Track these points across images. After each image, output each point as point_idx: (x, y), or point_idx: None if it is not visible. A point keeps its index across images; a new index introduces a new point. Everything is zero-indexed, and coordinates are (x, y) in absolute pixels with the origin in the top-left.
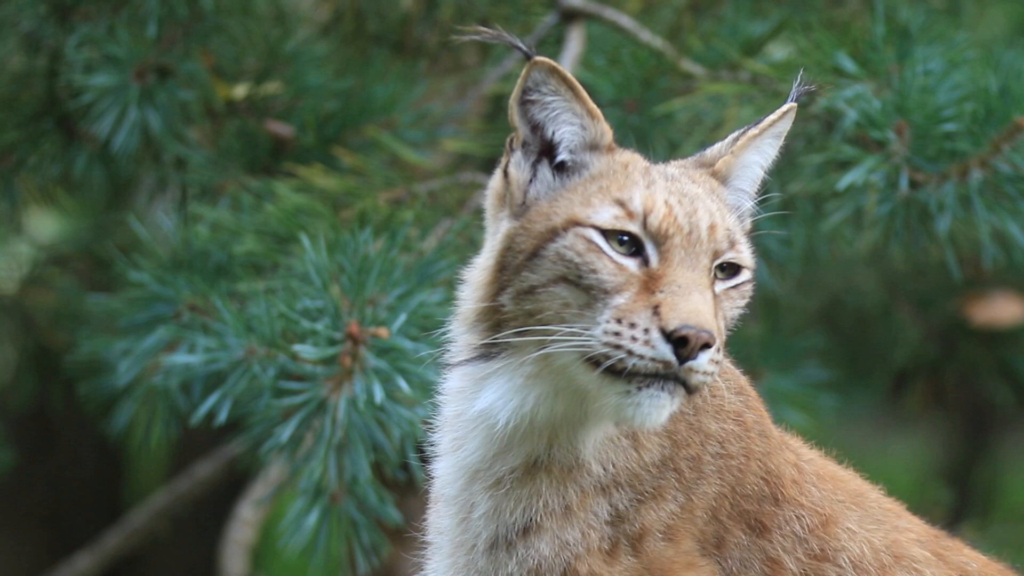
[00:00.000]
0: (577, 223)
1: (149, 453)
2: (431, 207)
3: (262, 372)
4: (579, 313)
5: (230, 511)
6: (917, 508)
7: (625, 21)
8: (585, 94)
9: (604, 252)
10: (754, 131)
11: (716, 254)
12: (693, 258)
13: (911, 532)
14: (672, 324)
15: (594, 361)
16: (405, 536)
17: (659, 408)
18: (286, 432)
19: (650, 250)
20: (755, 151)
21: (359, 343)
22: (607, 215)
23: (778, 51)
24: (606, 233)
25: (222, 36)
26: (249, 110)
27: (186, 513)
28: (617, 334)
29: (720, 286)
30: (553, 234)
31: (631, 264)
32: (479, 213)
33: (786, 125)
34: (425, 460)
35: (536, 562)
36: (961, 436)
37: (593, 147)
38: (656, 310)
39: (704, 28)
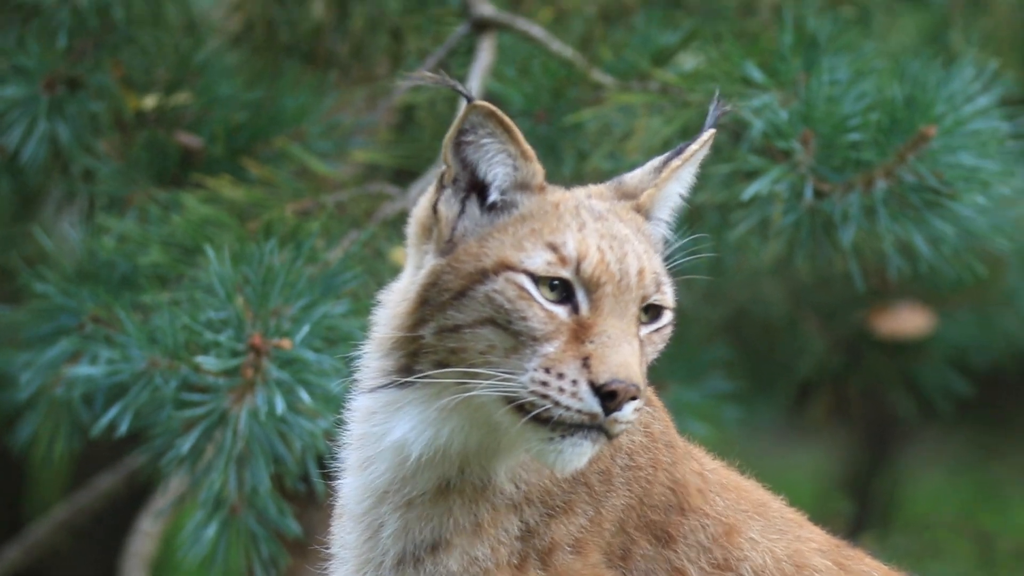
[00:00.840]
0: (508, 267)
1: (51, 466)
2: (338, 218)
3: (164, 384)
4: (505, 357)
5: (131, 524)
6: (819, 518)
7: (536, 31)
8: (520, 136)
9: (535, 299)
10: (677, 162)
11: (643, 299)
12: (623, 306)
13: (813, 542)
14: (602, 378)
15: (519, 407)
16: (306, 548)
17: (580, 455)
18: (187, 444)
19: (580, 297)
20: (676, 181)
21: (262, 355)
22: (539, 260)
23: (688, 61)
24: (537, 279)
25: (132, 47)
26: (158, 121)
27: (87, 526)
28: (545, 383)
29: (644, 330)
30: (483, 276)
31: (561, 312)
32: (387, 224)
33: (706, 151)
34: (328, 475)
35: None
36: (863, 447)
37: (523, 187)
38: (586, 362)
39: (615, 38)
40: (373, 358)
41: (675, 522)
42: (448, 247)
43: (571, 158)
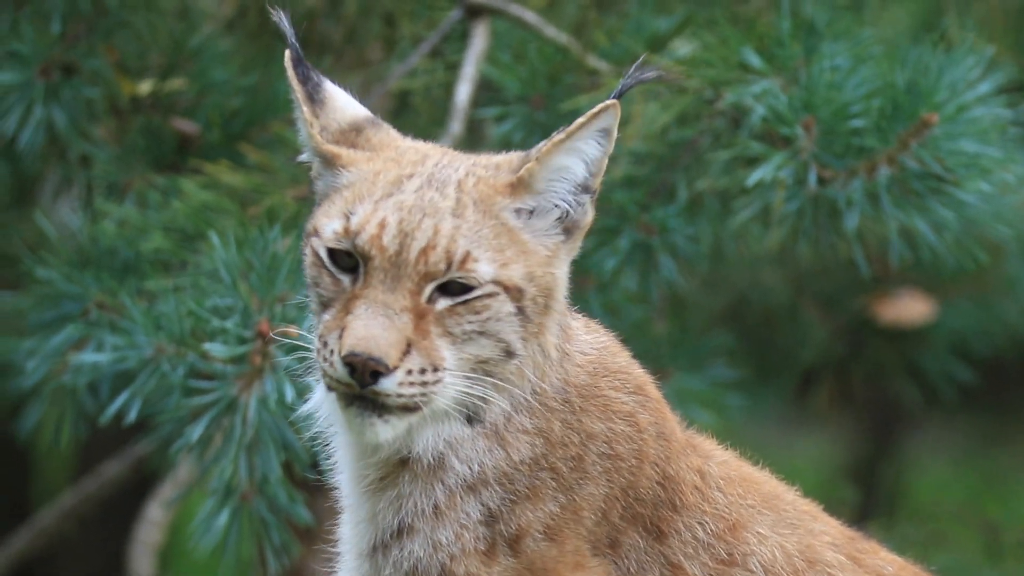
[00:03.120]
0: (315, 232)
1: (57, 454)
2: None
3: (171, 371)
4: (317, 322)
5: (138, 512)
6: (824, 507)
7: (530, 17)
8: (300, 97)
9: (324, 266)
10: (560, 136)
11: (428, 275)
12: (394, 280)
13: (826, 536)
14: (344, 350)
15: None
16: (316, 536)
17: (370, 426)
18: (196, 431)
19: (361, 269)
20: (567, 154)
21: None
22: (330, 230)
23: (683, 47)
24: (331, 248)
25: (126, 32)
26: (154, 107)
27: (94, 514)
28: (318, 350)
29: (443, 303)
30: (306, 238)
31: (346, 280)
32: None
33: (607, 121)
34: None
35: (411, 564)
36: (867, 435)
37: (317, 153)
38: (341, 332)
39: (609, 24)
40: None
41: (666, 517)
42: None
43: None
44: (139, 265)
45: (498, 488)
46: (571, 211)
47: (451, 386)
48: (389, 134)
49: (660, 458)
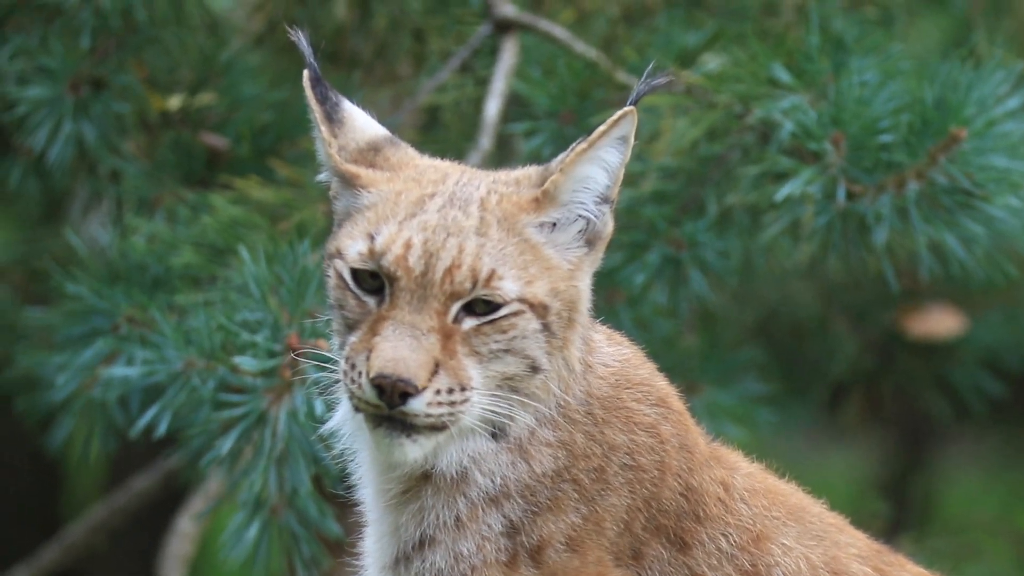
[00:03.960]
0: (338, 254)
1: (87, 467)
2: None
3: (202, 384)
4: (340, 345)
5: (168, 525)
6: (855, 521)
7: (559, 32)
8: (319, 116)
9: (348, 288)
10: (583, 146)
11: (454, 295)
12: (420, 301)
13: (852, 548)
14: (373, 372)
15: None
16: (344, 549)
17: (399, 446)
18: (226, 445)
19: (387, 290)
20: (589, 163)
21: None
22: (355, 251)
23: (712, 62)
24: (355, 269)
25: (156, 47)
26: (184, 122)
27: (123, 527)
28: (346, 372)
29: (469, 323)
30: (329, 260)
31: (371, 302)
32: None
33: (626, 129)
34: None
35: (433, 575)
36: (898, 449)
37: (335, 173)
38: (369, 355)
39: (638, 39)
40: None
41: (689, 529)
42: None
43: None
44: (169, 280)
45: (520, 500)
46: (593, 222)
47: (478, 404)
48: (407, 153)
49: (683, 469)
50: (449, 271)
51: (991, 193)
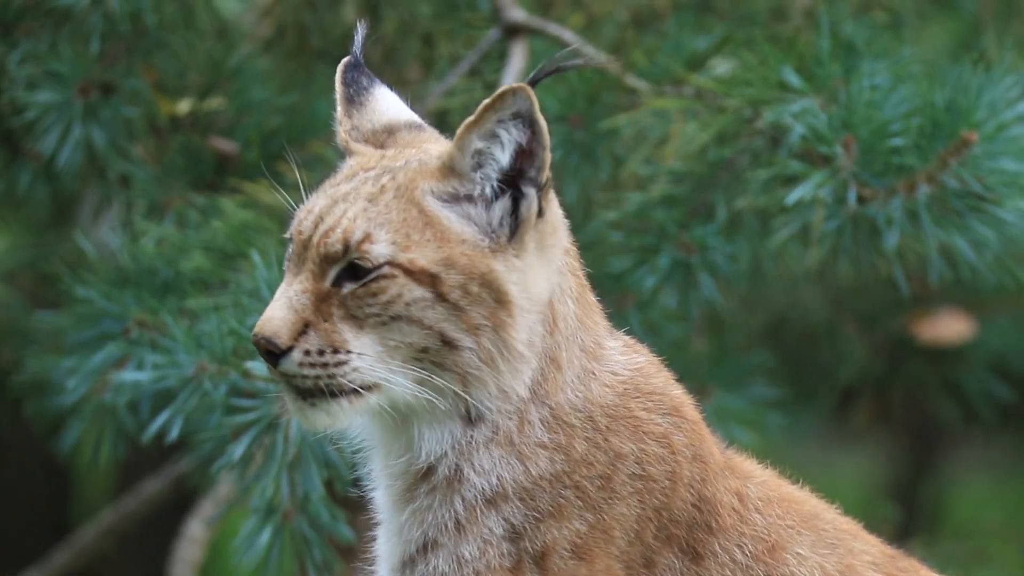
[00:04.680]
0: None
1: (97, 472)
2: None
3: (213, 389)
4: None
5: (178, 529)
6: (865, 525)
7: (568, 36)
8: (339, 97)
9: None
10: (470, 119)
11: (328, 258)
12: (300, 264)
13: (866, 555)
14: (254, 331)
15: None
16: (357, 554)
17: (304, 413)
18: (237, 450)
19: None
20: (482, 139)
21: None
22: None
23: (721, 66)
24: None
25: (165, 52)
26: (193, 126)
27: (134, 531)
28: None
29: (348, 287)
30: None
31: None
32: None
33: (518, 106)
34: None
35: None
36: (907, 453)
37: (343, 152)
38: None
39: (647, 43)
40: None
41: (702, 539)
42: None
43: (607, 163)
44: (179, 284)
45: (519, 503)
46: (520, 203)
47: (367, 371)
48: (420, 135)
49: (696, 480)
50: (325, 233)
51: (1001, 197)
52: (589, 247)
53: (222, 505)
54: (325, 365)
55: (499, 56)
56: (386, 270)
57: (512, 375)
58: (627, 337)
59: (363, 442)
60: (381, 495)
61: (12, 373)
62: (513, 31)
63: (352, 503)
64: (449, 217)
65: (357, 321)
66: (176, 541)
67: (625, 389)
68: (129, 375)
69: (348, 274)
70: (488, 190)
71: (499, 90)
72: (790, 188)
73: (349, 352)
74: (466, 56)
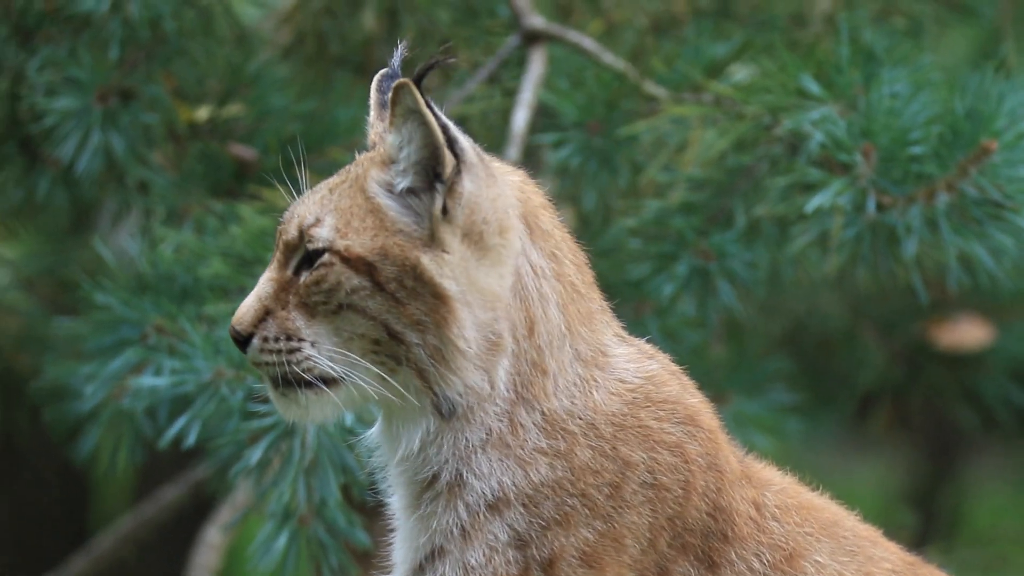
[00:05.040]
0: None
1: (115, 478)
2: None
3: (231, 394)
4: None
5: (196, 536)
6: (883, 532)
7: (587, 43)
8: (372, 102)
9: None
10: (370, 117)
11: (288, 245)
12: (275, 256)
13: (886, 562)
14: None
15: None
16: (373, 559)
17: (275, 400)
18: (255, 455)
19: None
20: (391, 132)
21: None
22: None
23: (741, 72)
24: None
25: (184, 58)
26: (212, 133)
27: (151, 538)
28: None
29: (304, 276)
30: None
31: None
32: None
33: (406, 101)
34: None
35: None
36: (926, 459)
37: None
38: None
39: (666, 50)
40: None
41: (717, 548)
42: None
43: (626, 170)
44: (198, 290)
45: (522, 510)
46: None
47: (319, 361)
48: None
49: (710, 489)
50: (287, 222)
51: (1020, 204)
52: (607, 254)
53: (239, 510)
54: (279, 351)
55: (518, 63)
56: (326, 258)
57: (470, 371)
58: (642, 343)
59: (376, 448)
60: (396, 501)
61: (30, 380)
62: (532, 38)
63: (369, 508)
64: (390, 206)
65: (309, 309)
66: (194, 547)
67: (634, 398)
68: (147, 381)
69: (307, 263)
70: (416, 182)
71: (393, 85)
72: (809, 195)
73: (302, 340)
74: (485, 63)
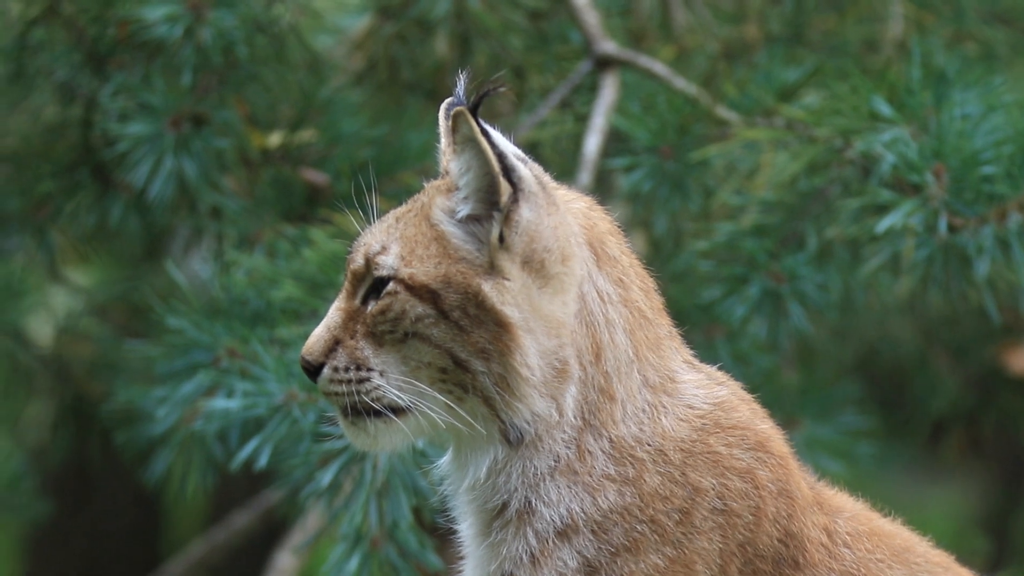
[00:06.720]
0: None
1: (185, 503)
2: None
3: (302, 417)
4: None
5: (267, 561)
6: (956, 558)
7: (659, 68)
8: (443, 130)
9: None
10: (440, 144)
11: (356, 275)
12: (343, 286)
13: None
14: None
15: None
16: None
17: (345, 428)
18: (326, 477)
19: None
20: (451, 159)
21: None
22: None
23: (812, 96)
24: None
25: (256, 84)
26: (284, 158)
27: (223, 563)
28: None
29: (372, 305)
30: None
31: None
32: None
33: (463, 129)
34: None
35: None
36: (999, 485)
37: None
38: None
39: (738, 75)
40: None
41: (788, 575)
42: None
43: (698, 195)
44: (269, 314)
45: (591, 536)
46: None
47: (388, 391)
48: None
49: (781, 515)
50: (355, 251)
51: None
52: (679, 279)
53: (311, 534)
54: (349, 382)
55: (590, 88)
56: (391, 286)
57: (536, 399)
58: (712, 369)
59: (447, 476)
60: (466, 529)
61: (102, 404)
62: (604, 63)
63: (440, 531)
64: (453, 233)
65: (376, 338)
66: (265, 573)
67: (703, 424)
68: (219, 403)
69: (374, 292)
70: (477, 209)
71: (452, 112)
72: (880, 217)
73: (371, 370)
74: (557, 88)
